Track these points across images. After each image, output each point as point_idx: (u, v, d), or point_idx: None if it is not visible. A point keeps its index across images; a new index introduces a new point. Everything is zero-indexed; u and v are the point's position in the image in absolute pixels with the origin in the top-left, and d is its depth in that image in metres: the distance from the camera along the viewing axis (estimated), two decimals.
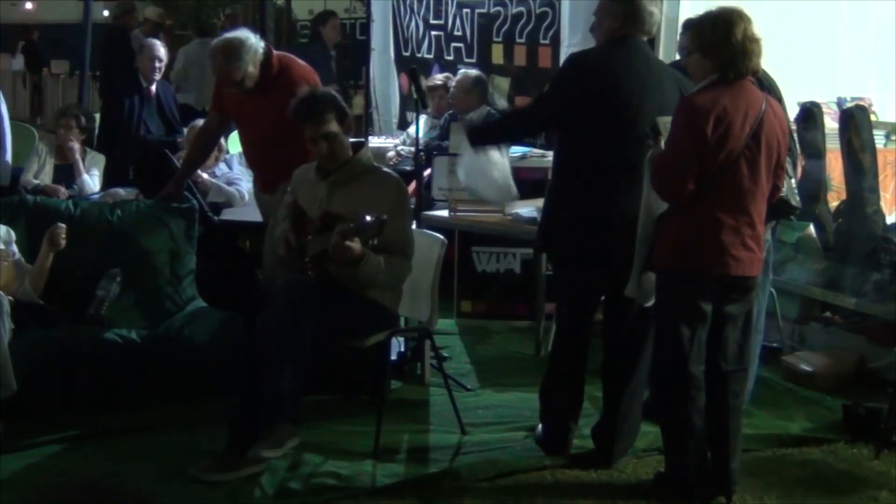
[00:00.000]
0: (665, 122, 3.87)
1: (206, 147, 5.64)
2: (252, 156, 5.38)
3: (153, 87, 7.17)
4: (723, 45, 3.75)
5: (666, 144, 3.82)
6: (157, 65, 7.17)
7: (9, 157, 6.17)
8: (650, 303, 4.00)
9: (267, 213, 5.24)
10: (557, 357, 4.38)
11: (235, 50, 4.88)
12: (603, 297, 4.31)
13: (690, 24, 3.97)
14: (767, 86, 4.42)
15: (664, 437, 4.01)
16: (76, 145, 6.54)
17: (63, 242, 4.82)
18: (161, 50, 7.22)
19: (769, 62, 4.54)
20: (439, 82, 7.45)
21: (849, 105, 6.10)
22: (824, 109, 5.96)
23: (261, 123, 5.02)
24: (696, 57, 3.85)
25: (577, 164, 4.17)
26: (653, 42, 5.49)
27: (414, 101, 5.77)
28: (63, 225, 4.86)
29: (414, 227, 4.75)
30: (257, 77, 4.95)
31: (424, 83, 6.19)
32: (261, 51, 4.95)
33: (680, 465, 3.92)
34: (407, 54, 8.70)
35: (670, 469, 3.98)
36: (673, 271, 3.85)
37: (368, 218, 3.95)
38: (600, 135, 4.08)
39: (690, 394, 3.85)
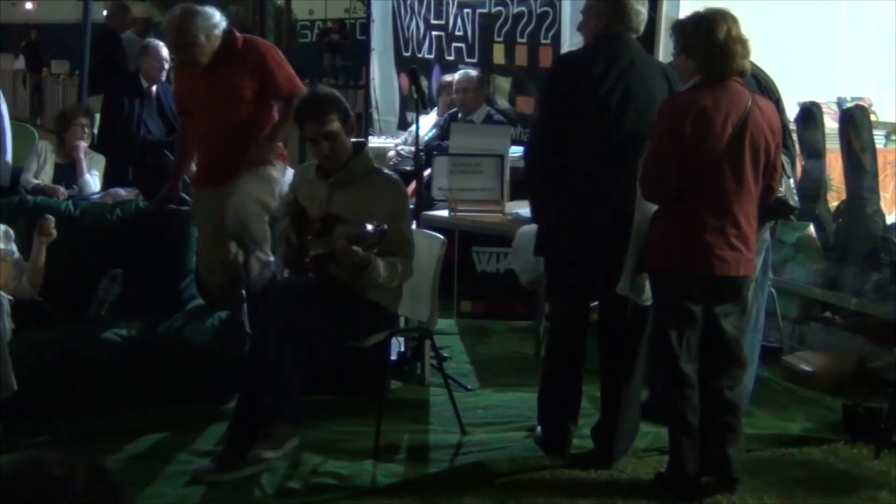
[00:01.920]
0: None
1: (190, 150, 5.48)
2: (206, 144, 5.13)
3: (154, 88, 7.16)
4: (705, 45, 3.74)
5: (648, 144, 3.83)
6: (164, 65, 7.16)
7: (9, 157, 6.17)
8: (646, 301, 3.99)
9: (209, 209, 5.01)
10: (552, 357, 4.38)
11: (190, 15, 4.79)
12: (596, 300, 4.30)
13: (676, 26, 3.97)
14: (766, 85, 4.41)
15: (669, 437, 4.01)
16: (83, 144, 6.53)
17: (54, 232, 4.81)
18: (166, 50, 7.22)
19: (769, 62, 4.54)
20: (451, 80, 7.41)
21: (849, 105, 6.09)
22: (824, 109, 5.95)
23: (221, 100, 4.90)
24: (682, 58, 3.85)
25: (564, 160, 4.18)
26: (652, 42, 5.50)
27: (414, 101, 5.76)
28: (51, 217, 4.85)
29: (414, 227, 4.75)
30: (209, 51, 4.83)
31: (428, 83, 6.17)
32: (221, 26, 4.86)
33: (679, 464, 3.92)
34: (407, 54, 8.69)
35: (671, 468, 3.98)
36: (660, 272, 3.85)
37: (369, 227, 3.93)
38: (584, 131, 4.08)
39: (684, 392, 3.85)
